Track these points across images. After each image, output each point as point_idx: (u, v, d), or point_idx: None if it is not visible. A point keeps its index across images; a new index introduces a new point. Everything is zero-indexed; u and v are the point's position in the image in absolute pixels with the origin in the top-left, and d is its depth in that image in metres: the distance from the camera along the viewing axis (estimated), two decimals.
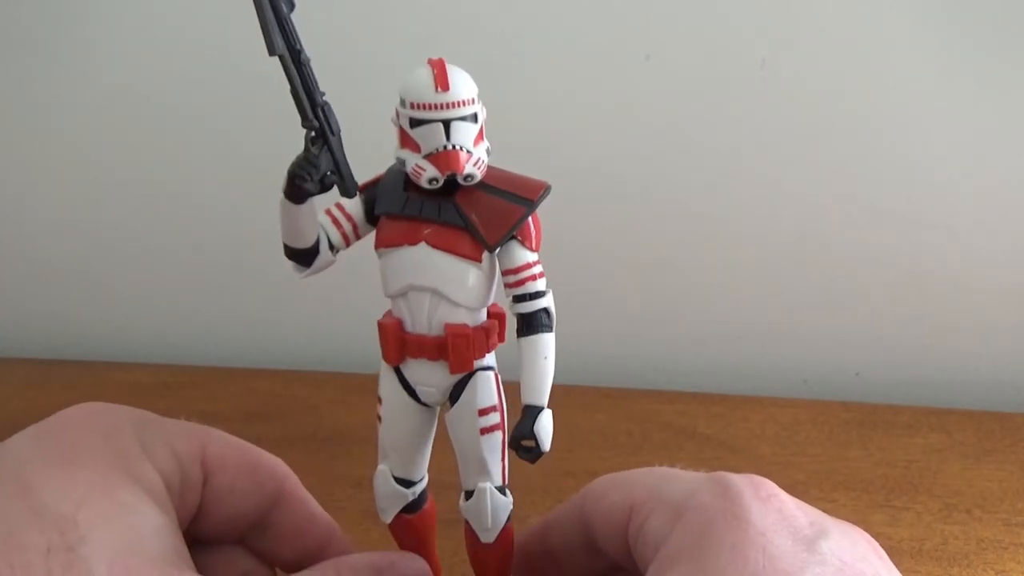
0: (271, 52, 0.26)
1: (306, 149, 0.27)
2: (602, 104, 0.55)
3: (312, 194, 0.28)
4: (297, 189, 0.27)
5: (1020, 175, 0.54)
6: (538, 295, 0.29)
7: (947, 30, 0.51)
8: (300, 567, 0.31)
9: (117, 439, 0.26)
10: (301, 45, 0.26)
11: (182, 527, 0.28)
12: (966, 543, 0.43)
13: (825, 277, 0.58)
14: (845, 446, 0.51)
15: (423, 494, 0.33)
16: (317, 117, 0.27)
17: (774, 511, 0.24)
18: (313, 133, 0.27)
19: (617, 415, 0.55)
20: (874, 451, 0.51)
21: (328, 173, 0.28)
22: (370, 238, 0.31)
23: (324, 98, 0.27)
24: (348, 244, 0.30)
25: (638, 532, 0.27)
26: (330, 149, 0.27)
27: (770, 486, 0.26)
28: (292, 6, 0.26)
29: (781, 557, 0.23)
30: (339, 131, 0.28)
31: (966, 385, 0.58)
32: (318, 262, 0.30)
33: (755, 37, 0.52)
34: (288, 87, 0.27)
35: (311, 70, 0.27)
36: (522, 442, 0.28)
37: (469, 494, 0.31)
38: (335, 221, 0.30)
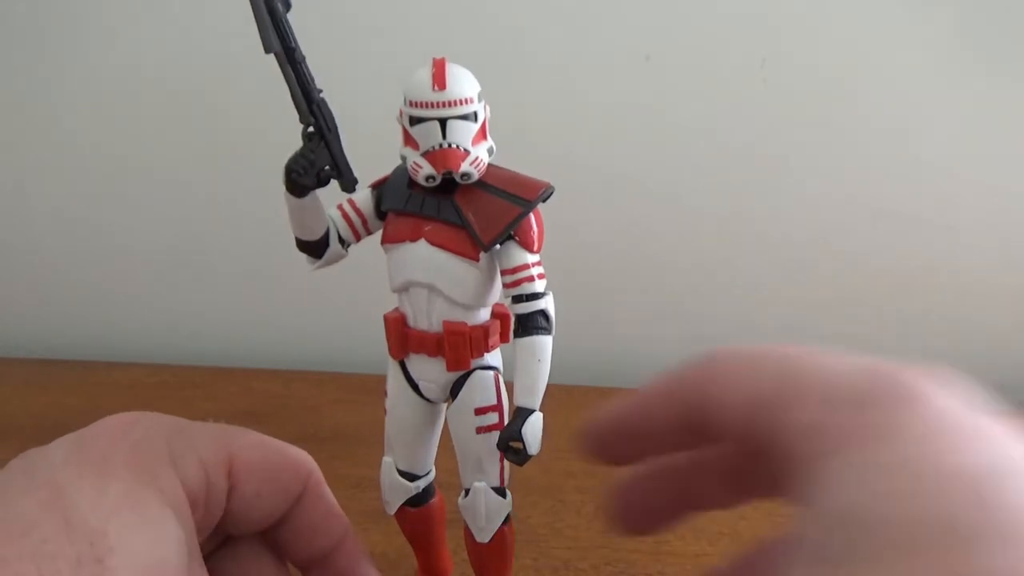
0: (266, 50, 0.26)
1: (303, 145, 0.28)
2: (602, 104, 0.55)
3: (309, 188, 0.28)
4: (293, 184, 0.28)
5: (1020, 175, 0.54)
6: (535, 296, 0.29)
7: (948, 30, 0.51)
8: (311, 564, 0.31)
9: (147, 451, 0.27)
10: (296, 44, 0.27)
11: (205, 534, 0.28)
12: None
13: (826, 277, 0.58)
14: None
15: (428, 489, 0.33)
16: (313, 114, 0.27)
17: (955, 393, 0.24)
18: (310, 129, 0.28)
19: None
20: None
21: (325, 168, 0.28)
22: (378, 236, 0.31)
23: (321, 95, 0.28)
24: (358, 238, 0.31)
25: (790, 423, 0.25)
26: (327, 145, 0.28)
27: (945, 376, 0.25)
28: (288, 6, 0.26)
29: (964, 419, 0.22)
30: (336, 127, 0.28)
31: None
32: (328, 255, 0.30)
33: (755, 37, 0.52)
34: (287, 85, 0.27)
35: (307, 68, 0.27)
36: (510, 443, 0.28)
37: (467, 492, 0.31)
38: (345, 216, 0.30)
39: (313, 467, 0.32)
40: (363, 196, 0.30)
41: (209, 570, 0.29)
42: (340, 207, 0.30)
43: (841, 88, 0.53)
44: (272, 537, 0.32)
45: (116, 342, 0.65)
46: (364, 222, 0.30)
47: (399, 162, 0.30)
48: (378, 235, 0.31)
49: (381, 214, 0.30)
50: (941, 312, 0.58)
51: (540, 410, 0.28)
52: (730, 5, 0.52)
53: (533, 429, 0.28)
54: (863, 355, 0.25)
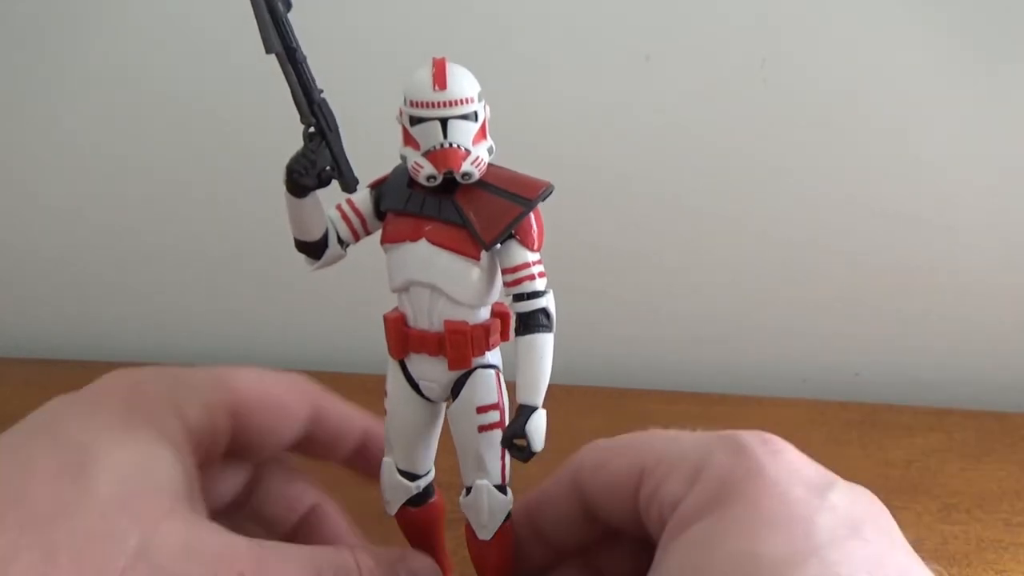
0: (267, 50, 0.26)
1: (304, 145, 0.28)
2: (602, 104, 0.55)
3: (310, 188, 0.28)
4: (294, 184, 0.28)
5: (1020, 175, 0.54)
6: (536, 295, 0.29)
7: (948, 28, 0.51)
8: (347, 461, 0.35)
9: (142, 391, 0.28)
10: (297, 43, 0.27)
11: (212, 464, 0.30)
12: (966, 543, 0.43)
13: (825, 277, 0.58)
14: (845, 446, 0.51)
15: (428, 488, 0.33)
16: (314, 114, 0.27)
17: (786, 463, 0.26)
18: (311, 129, 0.28)
19: (617, 415, 0.55)
20: (874, 451, 0.51)
21: (327, 168, 0.28)
22: (377, 235, 0.31)
23: (322, 95, 0.28)
24: (357, 239, 0.31)
25: (652, 496, 0.27)
26: (328, 145, 0.28)
27: (780, 441, 0.27)
28: (289, 5, 0.26)
29: (795, 504, 0.24)
30: (337, 127, 0.28)
31: (966, 385, 0.58)
32: (327, 255, 0.30)
33: (755, 37, 0.52)
34: (287, 85, 0.27)
35: (308, 68, 0.27)
36: (514, 441, 0.28)
37: (469, 490, 0.31)
38: (344, 216, 0.30)
39: (313, 388, 0.34)
40: (362, 196, 0.30)
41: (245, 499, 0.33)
42: (339, 207, 0.30)
43: (841, 88, 0.53)
44: (302, 450, 0.34)
45: (116, 342, 0.65)
46: (363, 222, 0.31)
47: (398, 162, 0.30)
48: (377, 235, 0.31)
49: (380, 214, 0.30)
50: (941, 312, 0.58)
51: (543, 407, 0.28)
52: (730, 5, 0.52)
53: (537, 426, 0.28)
54: (714, 432, 0.28)
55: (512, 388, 0.31)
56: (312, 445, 0.34)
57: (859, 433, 0.53)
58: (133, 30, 0.57)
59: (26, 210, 0.63)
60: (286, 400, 0.32)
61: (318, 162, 0.28)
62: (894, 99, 0.53)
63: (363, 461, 0.34)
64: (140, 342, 0.65)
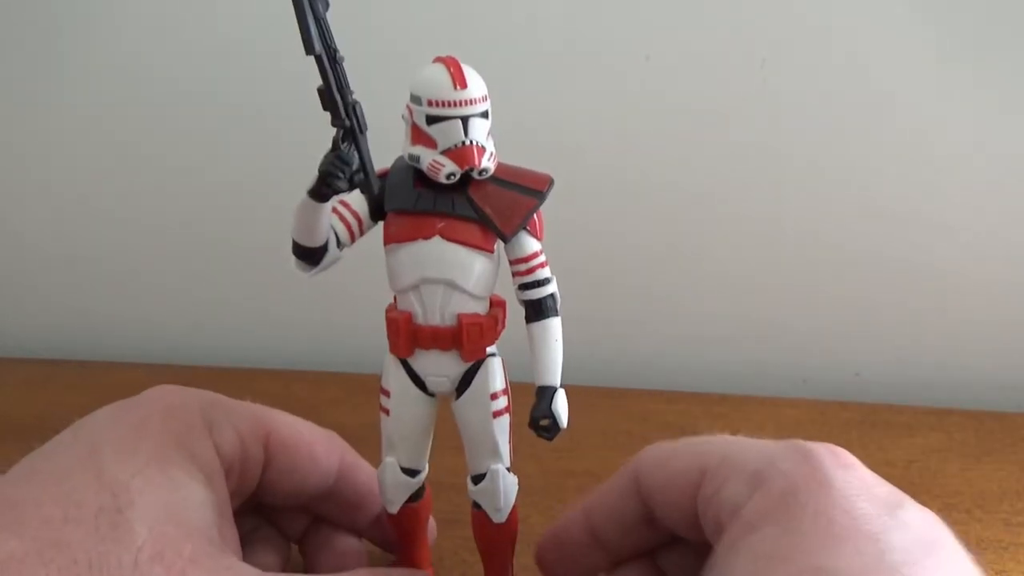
0: (308, 51, 0.26)
1: (335, 147, 0.28)
2: (602, 104, 0.55)
3: (342, 192, 0.28)
4: (329, 188, 0.28)
5: (1020, 174, 0.54)
6: (546, 281, 0.30)
7: (946, 29, 0.51)
8: (359, 532, 0.35)
9: (181, 417, 0.29)
10: (336, 44, 0.27)
11: (240, 500, 0.31)
12: (966, 543, 0.43)
13: (825, 277, 0.58)
14: (845, 446, 0.50)
15: (423, 483, 0.34)
16: (348, 116, 0.27)
17: (856, 478, 0.25)
18: (343, 131, 0.27)
19: (617, 415, 0.55)
20: (874, 451, 0.51)
21: (356, 172, 0.28)
22: (372, 236, 0.31)
23: (353, 97, 0.28)
24: (353, 240, 0.31)
25: (711, 498, 0.27)
26: (358, 147, 0.28)
27: (849, 456, 0.27)
28: (327, 5, 0.26)
29: (865, 519, 0.23)
30: (366, 129, 0.28)
31: (966, 385, 0.58)
32: (327, 259, 0.30)
33: (755, 37, 0.52)
34: (311, 87, 0.27)
35: (343, 69, 0.27)
36: (540, 421, 0.29)
37: (478, 478, 0.32)
38: (341, 218, 0.30)
39: (344, 445, 0.34)
40: (356, 197, 0.30)
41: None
42: (335, 210, 0.30)
43: (841, 88, 0.53)
44: (321, 509, 0.34)
45: (116, 342, 0.65)
46: (360, 224, 0.31)
47: (387, 163, 0.30)
48: (370, 234, 0.31)
49: (376, 214, 0.31)
50: (941, 312, 0.58)
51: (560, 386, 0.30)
52: (730, 5, 0.52)
53: (561, 404, 0.30)
54: (783, 439, 0.28)
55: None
56: (335, 503, 0.34)
57: (859, 433, 0.53)
58: (135, 26, 0.57)
59: (26, 210, 0.63)
60: (317, 449, 0.33)
61: (352, 164, 0.28)
62: (894, 99, 0.53)
63: (384, 530, 0.34)
64: (140, 342, 0.65)
